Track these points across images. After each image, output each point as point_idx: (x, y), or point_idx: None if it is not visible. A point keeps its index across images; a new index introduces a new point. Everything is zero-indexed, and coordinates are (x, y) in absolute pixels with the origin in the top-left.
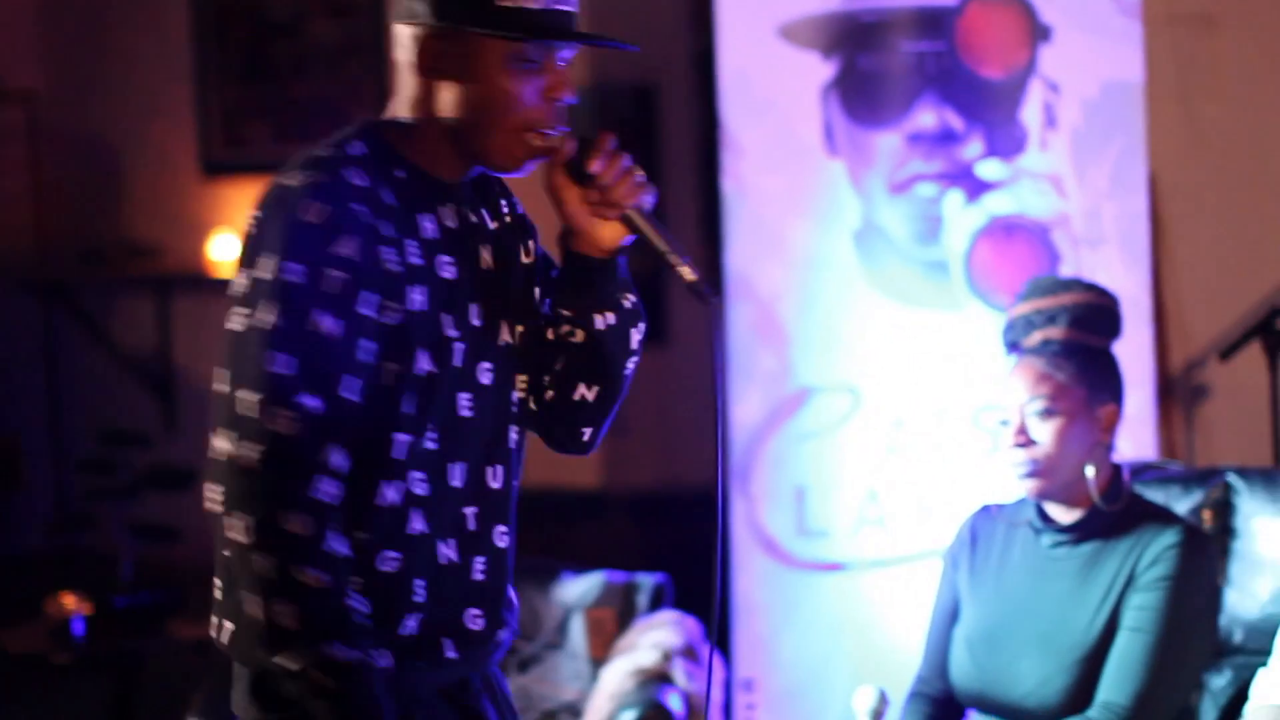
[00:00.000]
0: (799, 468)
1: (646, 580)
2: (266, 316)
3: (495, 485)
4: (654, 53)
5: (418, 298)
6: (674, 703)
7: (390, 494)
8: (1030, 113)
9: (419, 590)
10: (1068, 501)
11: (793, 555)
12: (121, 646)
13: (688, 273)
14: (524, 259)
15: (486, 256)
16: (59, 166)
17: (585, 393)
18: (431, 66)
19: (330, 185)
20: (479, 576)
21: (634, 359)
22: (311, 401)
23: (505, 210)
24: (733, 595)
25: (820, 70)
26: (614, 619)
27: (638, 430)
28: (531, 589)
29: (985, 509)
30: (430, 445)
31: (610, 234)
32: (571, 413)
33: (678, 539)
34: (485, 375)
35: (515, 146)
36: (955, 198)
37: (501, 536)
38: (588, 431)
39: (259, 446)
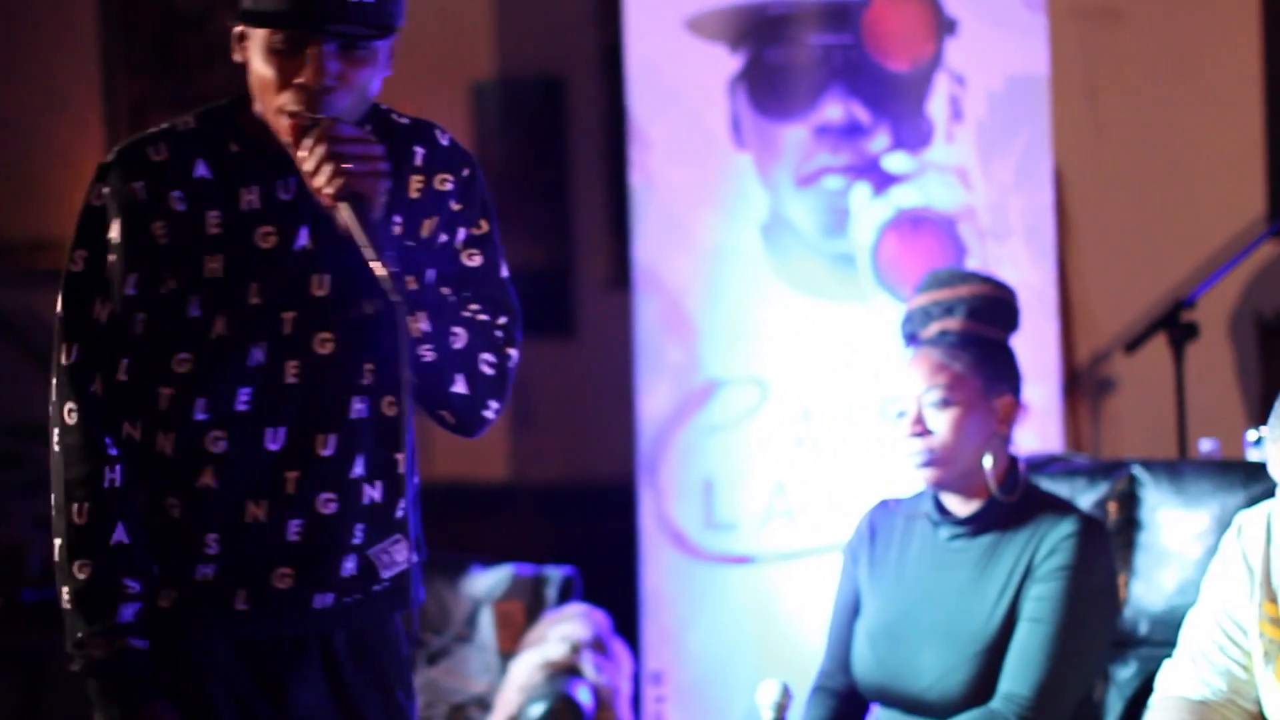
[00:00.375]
0: (707, 460)
1: (555, 573)
2: (58, 308)
3: (325, 453)
4: (561, 45)
5: (213, 265)
6: (583, 695)
7: (184, 450)
8: (936, 106)
9: (211, 543)
10: (965, 493)
11: (701, 548)
12: (30, 641)
13: (379, 269)
14: (422, 232)
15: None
16: None
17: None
18: (236, 55)
19: (116, 163)
20: (293, 538)
21: (423, 346)
22: (92, 386)
23: (417, 185)
24: (641, 588)
25: (728, 63)
26: (522, 612)
27: (545, 422)
28: (440, 582)
29: (884, 503)
30: (241, 408)
31: (341, 216)
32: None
33: (586, 532)
34: (324, 345)
35: (279, 126)
36: (862, 190)
37: (327, 504)
38: (445, 415)
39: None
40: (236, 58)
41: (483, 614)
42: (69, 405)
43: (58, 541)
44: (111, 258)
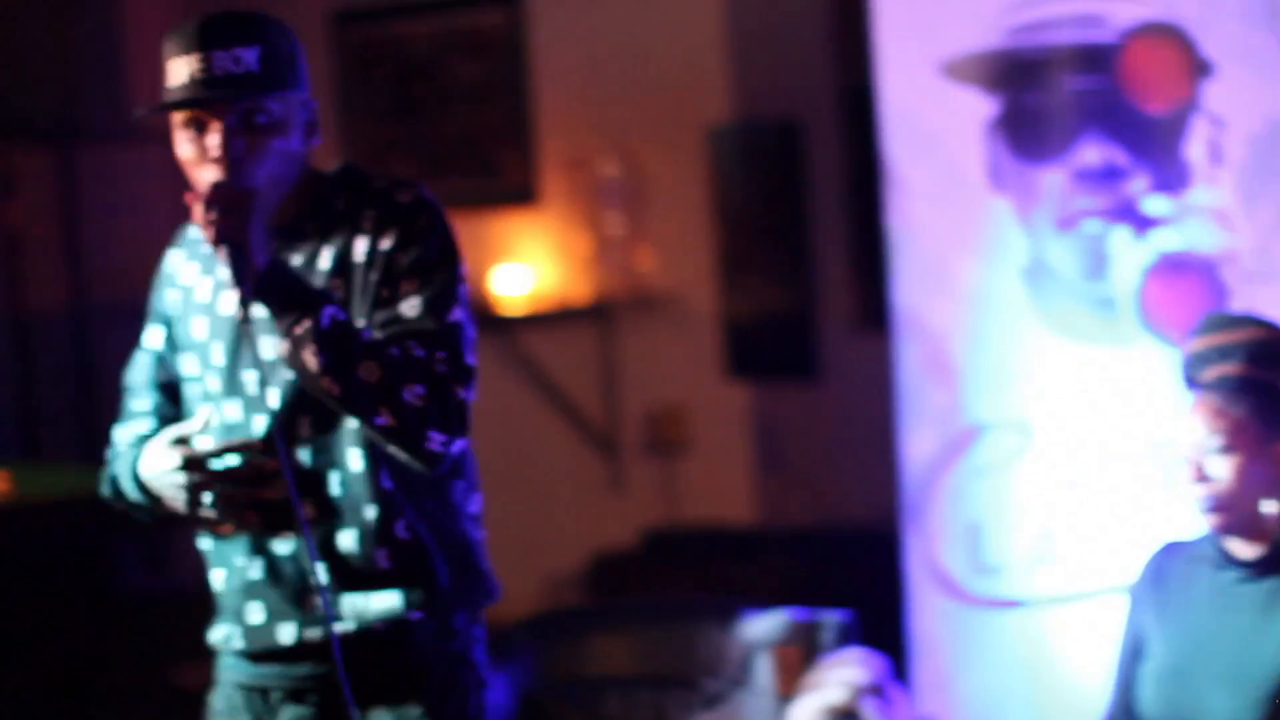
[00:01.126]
0: (973, 504)
1: (831, 618)
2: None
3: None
4: (799, 89)
5: (198, 328)
6: None
7: None
8: (1195, 148)
9: None
10: (1249, 536)
11: (969, 592)
12: None
13: (235, 296)
14: (365, 290)
15: None
16: None
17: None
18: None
19: (179, 235)
20: (253, 576)
21: (318, 378)
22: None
23: (362, 248)
24: (911, 632)
25: (983, 107)
26: (800, 657)
27: (791, 465)
28: (714, 627)
29: (1169, 546)
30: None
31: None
32: None
33: (839, 575)
34: (274, 400)
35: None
36: (1122, 234)
37: (282, 544)
38: (392, 450)
39: None
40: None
41: (759, 659)
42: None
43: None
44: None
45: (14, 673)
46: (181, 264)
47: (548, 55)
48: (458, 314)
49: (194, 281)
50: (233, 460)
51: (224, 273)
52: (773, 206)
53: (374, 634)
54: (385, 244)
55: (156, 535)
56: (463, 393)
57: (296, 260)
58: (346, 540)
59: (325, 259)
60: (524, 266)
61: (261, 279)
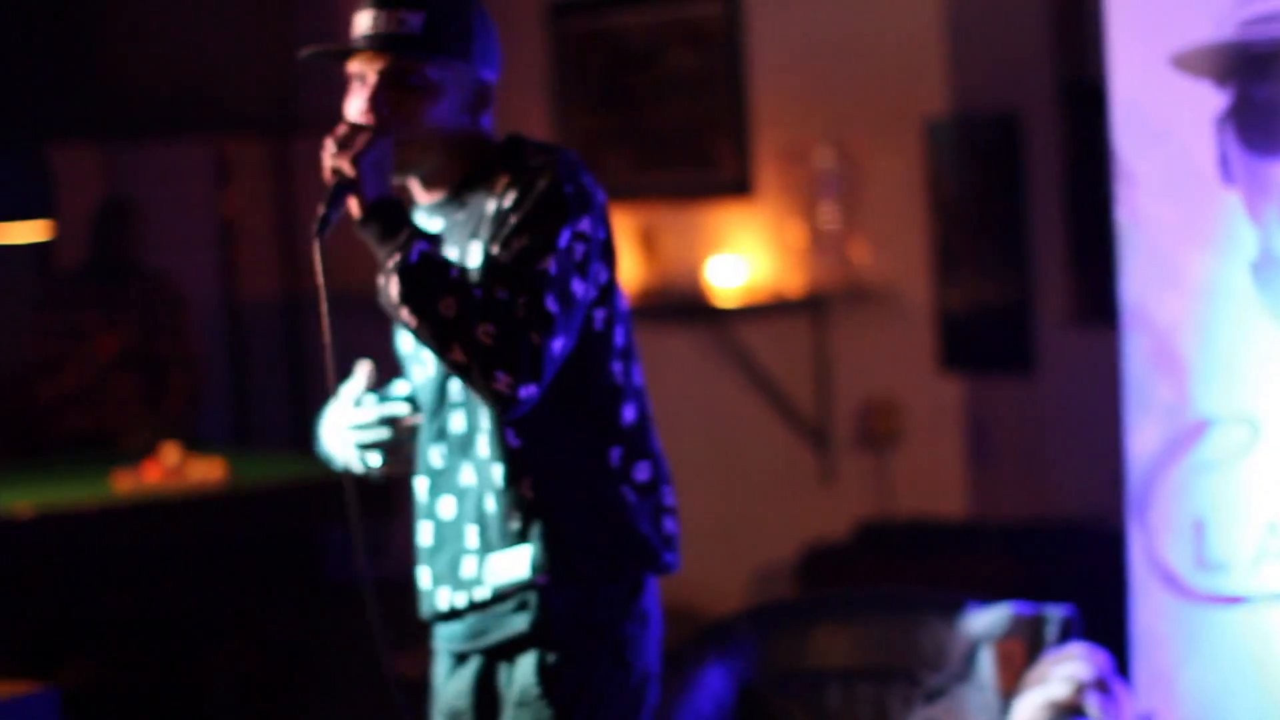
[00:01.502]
0: (1198, 500)
1: (1055, 612)
2: None
3: (437, 465)
4: (1017, 81)
5: None
6: None
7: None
8: None
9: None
10: None
11: (1192, 588)
12: None
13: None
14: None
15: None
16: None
17: None
18: None
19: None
20: (425, 542)
21: (399, 308)
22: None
23: (490, 209)
24: (1133, 628)
25: (1214, 99)
26: (1024, 651)
27: (1004, 458)
28: (936, 620)
29: None
30: None
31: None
32: None
33: (1053, 569)
34: (430, 364)
35: None
36: None
37: (446, 507)
38: (469, 386)
39: None
40: None
41: (982, 653)
42: None
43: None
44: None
45: (229, 660)
46: None
47: (764, 46)
48: (550, 264)
49: None
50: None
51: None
52: (989, 199)
53: (505, 597)
54: (506, 203)
55: (370, 522)
56: (539, 338)
57: (455, 225)
58: (488, 501)
59: (472, 224)
60: (738, 257)
61: (366, 211)
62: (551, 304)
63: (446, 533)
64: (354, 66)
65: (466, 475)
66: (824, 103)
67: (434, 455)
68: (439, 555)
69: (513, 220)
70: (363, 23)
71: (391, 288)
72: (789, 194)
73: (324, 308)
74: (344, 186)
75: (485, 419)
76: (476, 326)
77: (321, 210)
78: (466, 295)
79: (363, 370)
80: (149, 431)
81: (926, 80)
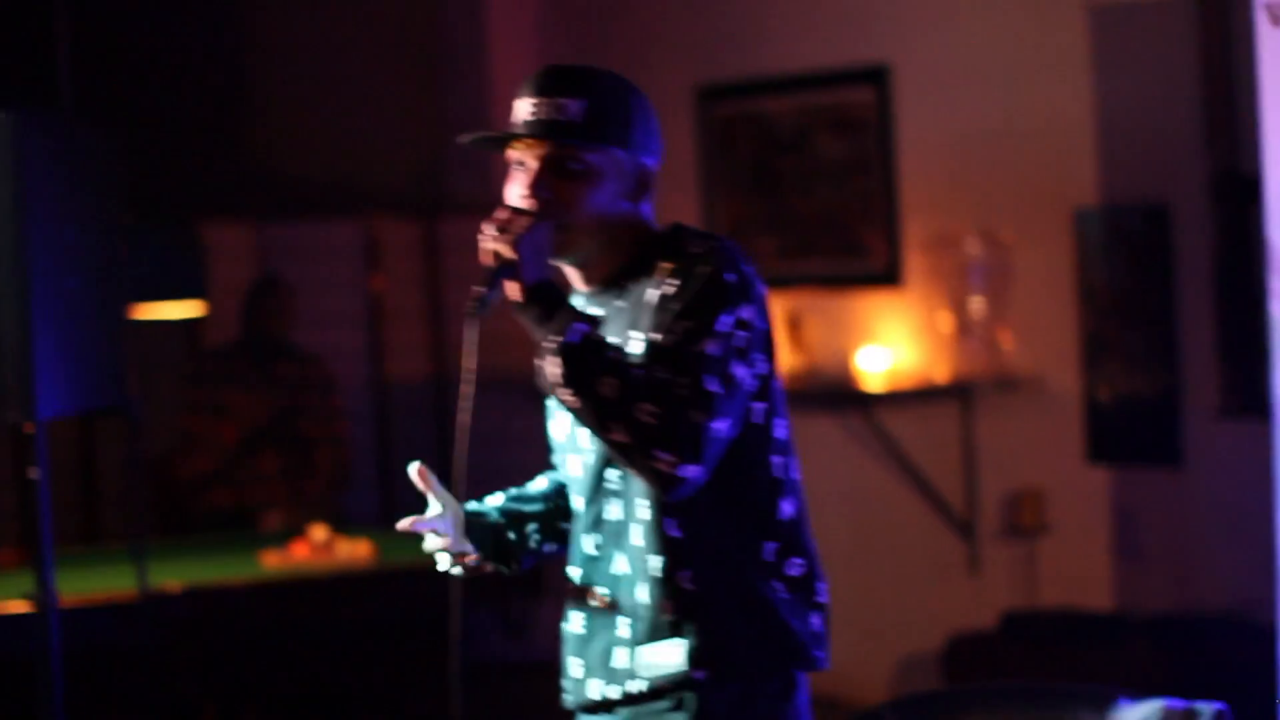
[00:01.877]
0: None
1: (1207, 708)
2: None
3: (590, 552)
4: (1167, 171)
5: None
6: None
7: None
8: None
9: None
10: None
11: None
12: None
13: (472, 299)
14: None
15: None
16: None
17: None
18: None
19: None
20: (578, 630)
21: (560, 389)
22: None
23: (650, 299)
24: None
25: None
26: None
27: (1152, 552)
28: (1086, 714)
29: None
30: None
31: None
32: None
33: (1200, 664)
34: (589, 457)
35: None
36: None
37: (597, 599)
38: (629, 469)
39: None
40: None
41: None
42: None
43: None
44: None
45: None
46: None
47: (913, 133)
48: (711, 346)
49: None
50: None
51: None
52: (1138, 289)
53: (661, 692)
54: (667, 290)
55: (516, 603)
56: (701, 417)
57: (615, 312)
58: (641, 592)
59: (633, 311)
60: (885, 345)
61: (526, 294)
62: (713, 384)
63: (598, 622)
64: (514, 153)
65: (620, 565)
66: (973, 190)
67: (588, 544)
68: (591, 645)
69: (674, 306)
70: (523, 109)
71: (552, 368)
72: (936, 281)
73: (467, 389)
74: (504, 269)
75: (642, 509)
76: (637, 406)
77: (479, 291)
78: (627, 375)
79: (413, 472)
80: (292, 511)
81: (1076, 169)
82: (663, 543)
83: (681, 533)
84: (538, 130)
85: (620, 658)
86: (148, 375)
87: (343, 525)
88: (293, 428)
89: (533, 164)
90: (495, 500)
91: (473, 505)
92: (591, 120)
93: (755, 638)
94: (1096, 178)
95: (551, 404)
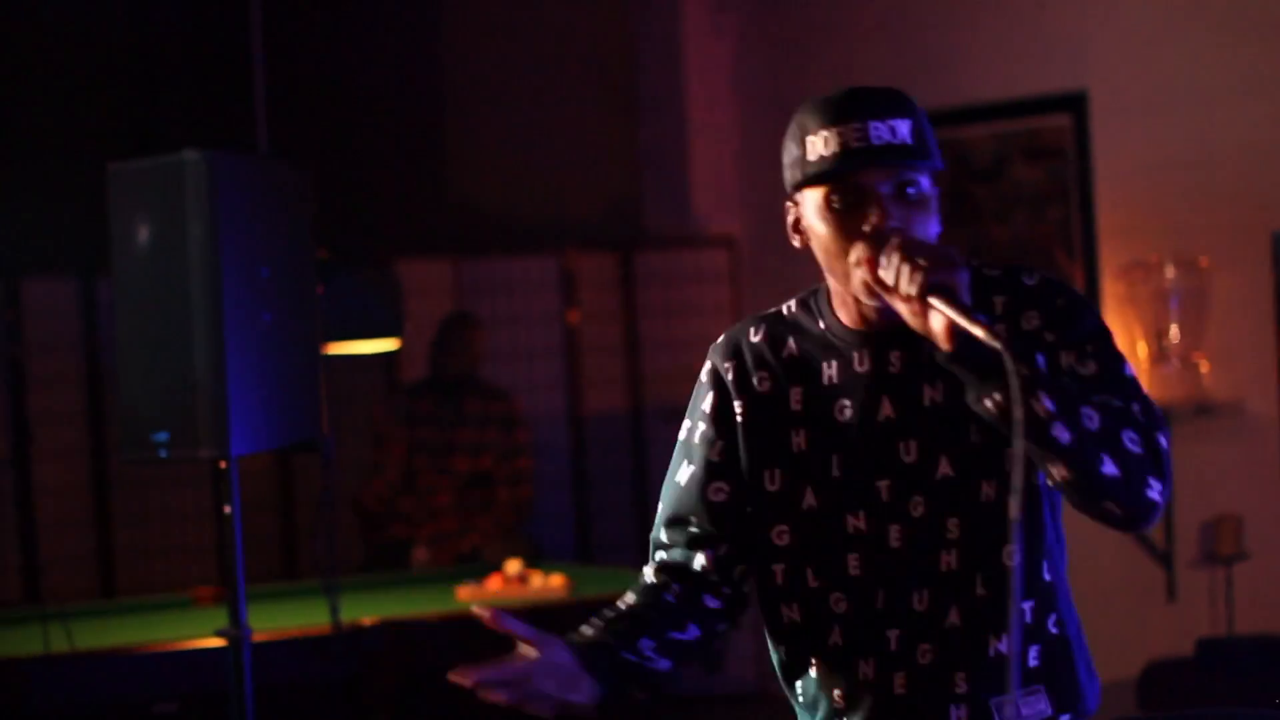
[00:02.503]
0: None
1: None
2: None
3: (919, 608)
4: None
5: (797, 440)
6: None
7: (811, 617)
8: None
9: (837, 698)
10: None
11: None
12: None
13: (981, 333)
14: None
15: (930, 394)
16: (754, 303)
17: (1053, 472)
18: (794, 230)
19: (720, 346)
20: (898, 690)
21: (1055, 426)
22: (665, 536)
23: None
24: None
25: None
26: None
27: None
28: None
29: None
30: (853, 572)
31: (935, 325)
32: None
33: None
34: (916, 508)
35: (855, 284)
36: None
37: (924, 654)
38: (1109, 506)
39: None
40: (795, 243)
41: None
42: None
43: None
44: (703, 428)
45: None
46: (743, 374)
47: (1110, 159)
48: (1128, 370)
49: (774, 391)
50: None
51: (828, 376)
52: None
53: None
54: (1027, 324)
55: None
56: (1166, 440)
57: (901, 361)
58: (995, 643)
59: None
60: None
61: (972, 313)
62: (1156, 408)
63: (923, 679)
64: (822, 192)
65: (953, 617)
66: (1169, 216)
67: (916, 600)
68: (915, 704)
69: (1052, 340)
70: (844, 137)
71: (1037, 404)
72: (1133, 306)
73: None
74: (956, 299)
75: (1002, 555)
76: (1122, 433)
77: (981, 330)
78: (1102, 404)
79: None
80: (480, 544)
81: (1274, 192)
82: (1037, 586)
83: (1051, 575)
84: (885, 156)
85: (958, 716)
86: (347, 411)
87: (538, 560)
88: (475, 463)
89: (873, 194)
90: (591, 629)
91: (572, 636)
92: (919, 139)
93: (1090, 673)
94: None
95: (696, 463)
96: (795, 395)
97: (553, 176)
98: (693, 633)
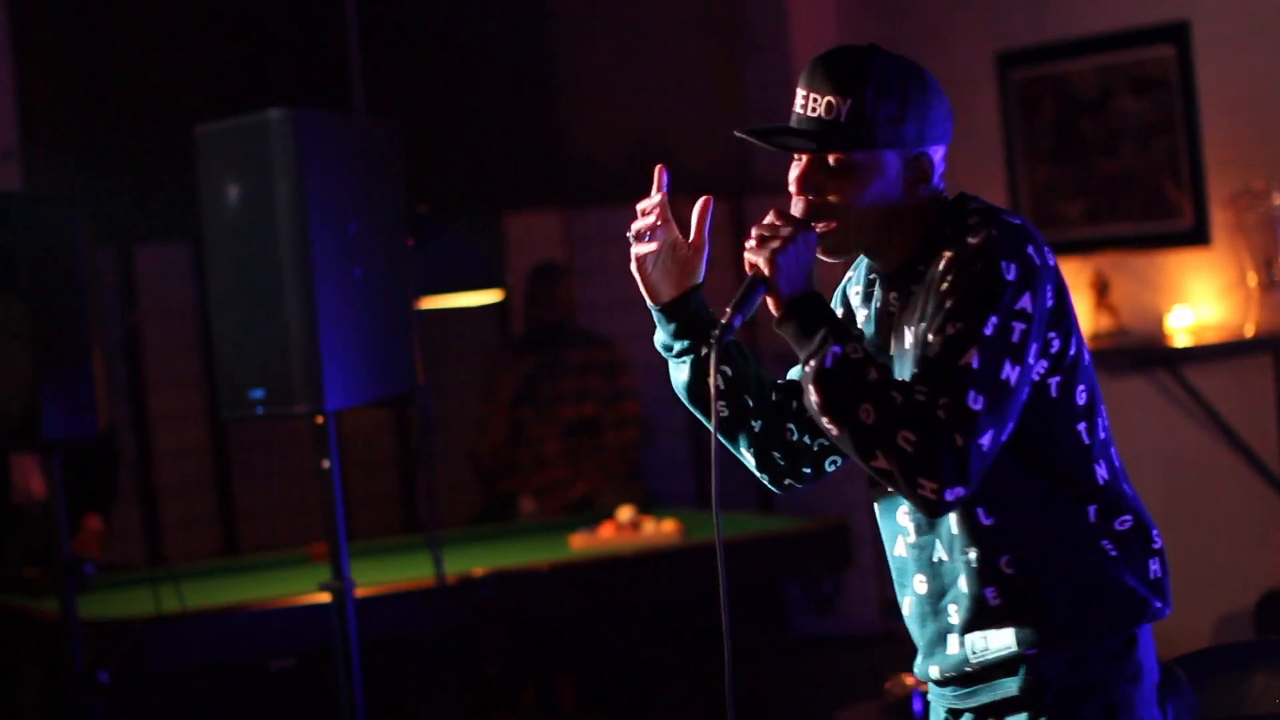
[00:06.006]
0: None
1: None
2: None
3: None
4: None
5: None
6: None
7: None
8: None
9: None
10: None
11: None
12: None
13: (724, 320)
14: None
15: (910, 336)
16: None
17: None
18: None
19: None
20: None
21: (819, 418)
22: None
23: (922, 295)
24: None
25: None
26: None
27: None
28: None
29: None
30: None
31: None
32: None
33: None
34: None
35: None
36: None
37: (920, 584)
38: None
39: None
40: None
41: None
42: None
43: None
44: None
45: (684, 713)
46: (853, 290)
47: (1215, 89)
48: (973, 358)
49: (857, 308)
50: None
51: (876, 306)
52: None
53: (994, 669)
54: (944, 285)
55: (826, 578)
56: (963, 440)
57: (911, 297)
58: (963, 581)
59: (920, 303)
60: (1192, 303)
61: (782, 309)
62: (975, 402)
63: (925, 608)
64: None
65: (939, 552)
66: (1275, 143)
67: (911, 530)
68: (923, 629)
69: (947, 305)
70: (796, 102)
71: (811, 396)
72: (1242, 235)
73: (715, 406)
74: (758, 283)
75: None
76: (897, 433)
77: (729, 312)
78: (885, 400)
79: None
80: (590, 492)
81: None
82: (976, 531)
83: (992, 519)
84: (799, 135)
85: (953, 644)
86: (460, 365)
87: (652, 507)
88: (579, 411)
89: (798, 159)
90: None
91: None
92: (855, 119)
93: (1088, 604)
94: None
95: None
96: (861, 315)
97: (661, 124)
98: (755, 423)
